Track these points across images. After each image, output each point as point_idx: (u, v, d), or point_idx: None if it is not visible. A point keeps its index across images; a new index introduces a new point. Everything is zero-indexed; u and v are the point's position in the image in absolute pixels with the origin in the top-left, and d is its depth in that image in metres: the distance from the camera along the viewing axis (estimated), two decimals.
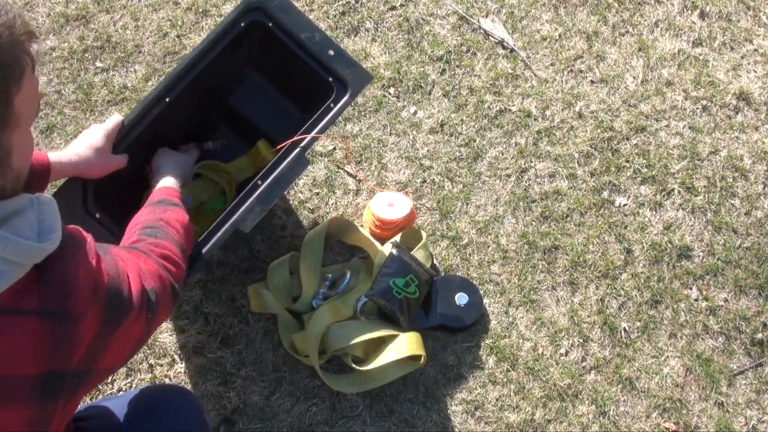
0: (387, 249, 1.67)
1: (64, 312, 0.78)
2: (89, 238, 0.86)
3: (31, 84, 0.78)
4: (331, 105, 1.35)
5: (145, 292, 0.93)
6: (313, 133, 1.32)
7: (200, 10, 2.12)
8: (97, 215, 1.27)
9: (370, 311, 1.64)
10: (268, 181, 1.29)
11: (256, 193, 1.28)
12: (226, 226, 1.27)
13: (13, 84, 0.74)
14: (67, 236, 0.81)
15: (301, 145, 1.31)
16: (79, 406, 1.08)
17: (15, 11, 0.73)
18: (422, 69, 2.05)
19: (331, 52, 1.36)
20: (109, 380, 1.62)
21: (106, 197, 1.33)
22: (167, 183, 1.32)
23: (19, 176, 0.80)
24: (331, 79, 1.36)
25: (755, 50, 2.14)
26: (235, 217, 1.27)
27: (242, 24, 1.37)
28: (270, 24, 1.38)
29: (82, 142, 1.29)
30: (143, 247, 1.05)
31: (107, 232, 1.28)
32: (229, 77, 1.56)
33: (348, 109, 1.95)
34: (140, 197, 1.49)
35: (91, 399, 1.58)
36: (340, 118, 1.94)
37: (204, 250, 1.26)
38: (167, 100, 1.33)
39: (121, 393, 1.57)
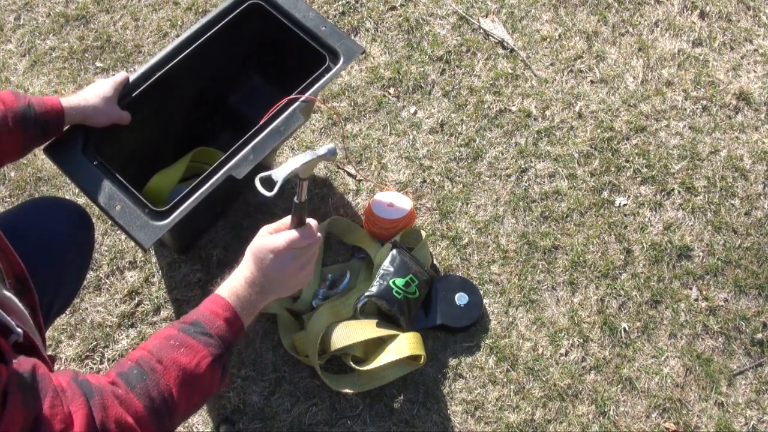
0: (387, 249, 1.67)
1: None
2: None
3: None
4: (324, 71, 1.45)
5: None
6: (307, 94, 1.41)
7: (200, 10, 2.12)
8: (95, 162, 1.32)
9: (370, 311, 1.63)
10: (264, 133, 1.37)
11: (252, 144, 1.36)
12: (221, 171, 1.33)
13: None
14: None
15: (295, 104, 1.41)
16: None
17: None
18: (422, 69, 2.05)
19: (324, 28, 1.48)
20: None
21: (106, 149, 1.38)
22: (231, 291, 0.98)
23: None
24: (323, 50, 1.48)
25: (755, 50, 2.14)
26: (230, 164, 1.34)
27: (241, 6, 1.50)
28: (266, 5, 1.51)
29: (90, 90, 1.33)
30: (105, 399, 0.81)
31: (104, 177, 1.31)
32: (229, 58, 1.63)
33: (348, 109, 1.96)
34: (141, 158, 1.53)
35: None
36: (340, 118, 1.94)
37: (198, 193, 1.30)
38: (171, 63, 1.43)
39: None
